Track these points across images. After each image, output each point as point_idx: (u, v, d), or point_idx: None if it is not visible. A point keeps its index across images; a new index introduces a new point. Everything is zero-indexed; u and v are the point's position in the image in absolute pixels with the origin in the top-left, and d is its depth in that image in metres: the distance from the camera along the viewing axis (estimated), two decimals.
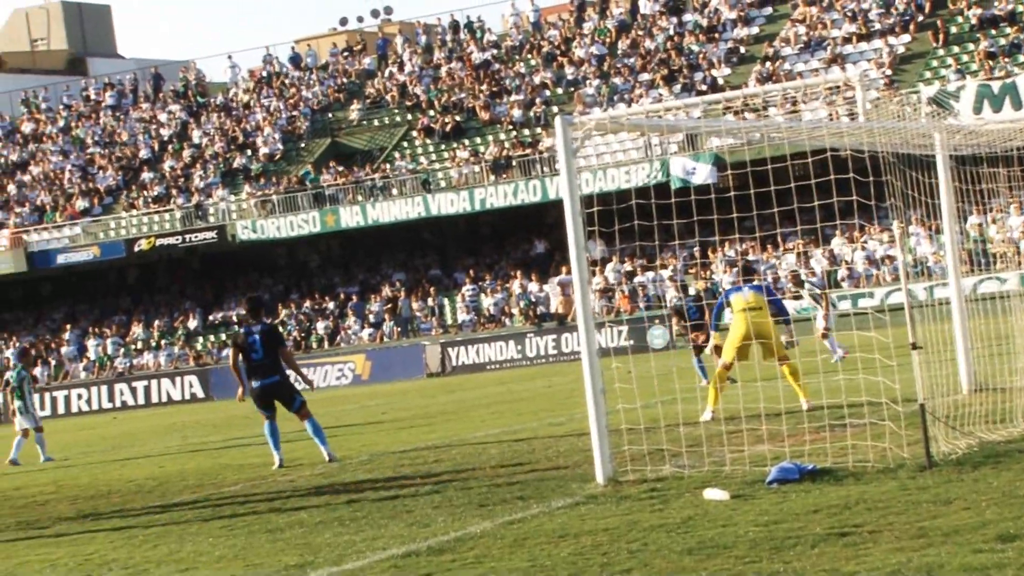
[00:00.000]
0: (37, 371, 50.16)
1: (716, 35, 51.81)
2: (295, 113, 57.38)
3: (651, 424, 15.20)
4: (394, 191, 50.54)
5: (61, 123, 62.86)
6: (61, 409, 49.34)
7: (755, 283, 18.18)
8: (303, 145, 56.47)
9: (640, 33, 53.35)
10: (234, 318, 51.02)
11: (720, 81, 48.74)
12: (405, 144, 54.13)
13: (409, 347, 46.43)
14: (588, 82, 51.90)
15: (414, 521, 11.61)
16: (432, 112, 54.30)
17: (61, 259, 53.77)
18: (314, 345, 49.33)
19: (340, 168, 52.84)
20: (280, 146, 56.11)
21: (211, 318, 53.10)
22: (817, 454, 12.53)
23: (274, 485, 15.66)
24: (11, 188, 59.35)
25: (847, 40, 48.77)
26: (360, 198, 50.59)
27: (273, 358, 17.25)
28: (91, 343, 52.82)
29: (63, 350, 52.97)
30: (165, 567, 10.78)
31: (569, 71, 53.12)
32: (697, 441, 13.97)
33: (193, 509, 14.34)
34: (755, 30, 51.63)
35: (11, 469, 23.48)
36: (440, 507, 12.25)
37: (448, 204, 48.96)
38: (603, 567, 8.85)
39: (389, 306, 49.56)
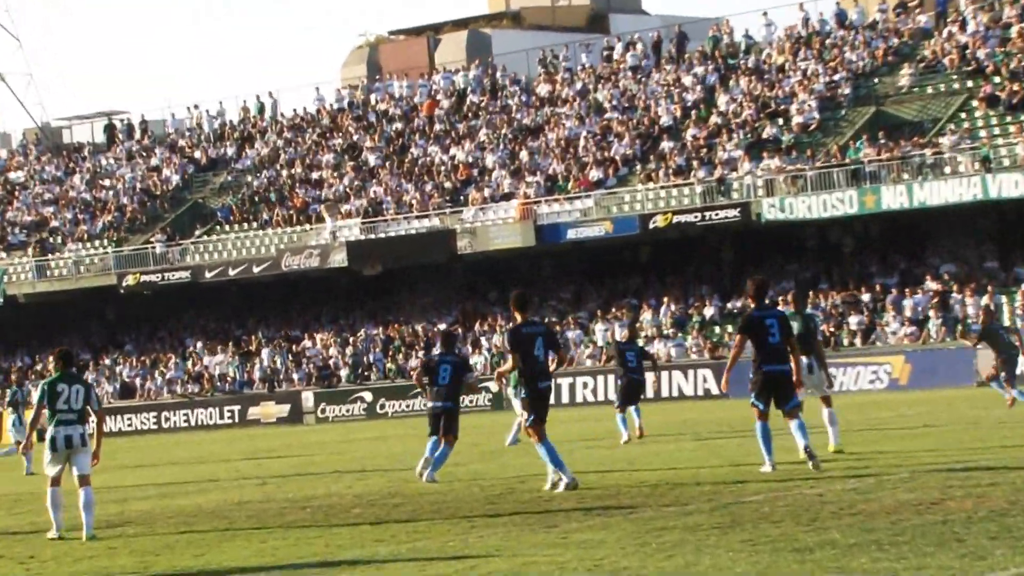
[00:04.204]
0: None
1: None
2: (835, 78, 56.90)
3: None
4: (947, 169, 49.21)
5: (578, 85, 65.06)
6: (565, 397, 51.03)
7: None
8: (843, 114, 55.92)
9: None
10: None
11: None
12: (963, 115, 52.57)
13: (957, 350, 45.12)
14: None
15: (966, 552, 11.26)
16: (997, 79, 52.46)
17: (571, 234, 55.58)
18: (845, 342, 48.84)
19: (884, 141, 51.98)
20: (816, 115, 55.79)
21: (729, 306, 53.51)
22: None
23: (800, 497, 15.59)
24: (523, 155, 61.99)
25: None
26: (906, 176, 49.57)
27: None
28: (598, 327, 54.39)
29: (569, 334, 54.88)
30: None
31: None
32: None
33: (710, 517, 14.47)
34: None
35: (510, 454, 24.57)
36: (998, 538, 11.82)
37: (1012, 186, 47.18)
38: None
39: (935, 301, 48.36)
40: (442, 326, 58.55)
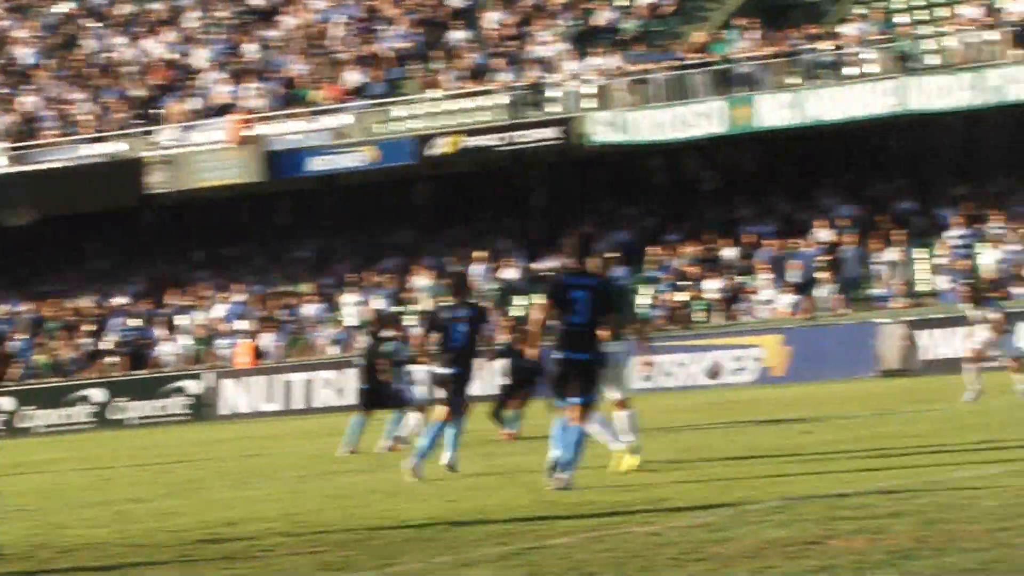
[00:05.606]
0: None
1: None
2: None
3: None
4: (850, 70, 50.04)
5: None
6: (299, 400, 51.06)
7: None
8: None
9: None
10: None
11: None
12: None
13: (854, 327, 46.19)
14: None
15: None
16: None
17: (317, 164, 55.53)
18: (700, 316, 49.53)
19: (764, 31, 52.71)
20: None
21: (533, 267, 53.82)
22: None
23: (627, 538, 15.66)
24: (250, 49, 61.57)
25: None
26: (794, 80, 50.31)
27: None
28: (348, 300, 54.40)
29: (304, 310, 54.90)
30: None
31: None
32: None
33: (499, 572, 14.50)
34: None
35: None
36: None
37: (937, 94, 48.11)
38: None
39: (827, 257, 49.26)
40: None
